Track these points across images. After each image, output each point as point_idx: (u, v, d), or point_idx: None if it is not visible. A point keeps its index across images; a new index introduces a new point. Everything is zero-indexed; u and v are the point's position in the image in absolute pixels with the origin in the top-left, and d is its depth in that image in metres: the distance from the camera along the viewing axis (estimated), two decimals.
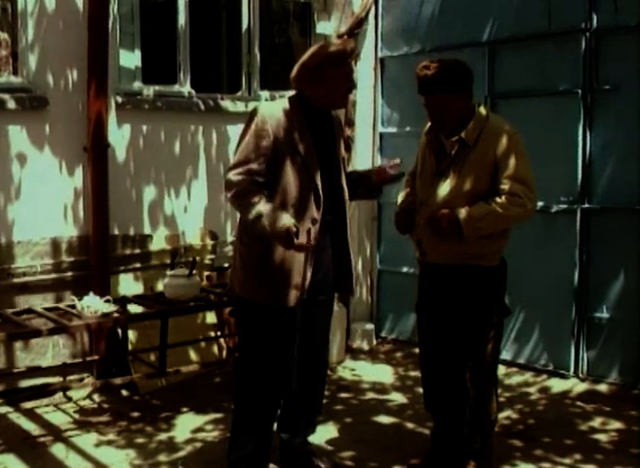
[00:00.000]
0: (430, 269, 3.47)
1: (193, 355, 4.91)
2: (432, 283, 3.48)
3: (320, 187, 3.23)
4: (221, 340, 5.07)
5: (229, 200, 3.27)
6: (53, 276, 4.62)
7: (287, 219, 3.04)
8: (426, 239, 3.40)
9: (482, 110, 3.37)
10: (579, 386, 4.77)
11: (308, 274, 3.24)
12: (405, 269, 5.64)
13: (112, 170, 4.71)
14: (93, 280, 4.63)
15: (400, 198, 3.64)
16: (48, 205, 4.59)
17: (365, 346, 5.70)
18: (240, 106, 5.38)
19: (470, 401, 3.43)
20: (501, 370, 4.65)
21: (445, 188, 3.32)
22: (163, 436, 4.05)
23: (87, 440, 3.98)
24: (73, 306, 4.04)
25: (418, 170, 3.52)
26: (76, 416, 4.30)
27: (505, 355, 5.03)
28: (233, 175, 3.16)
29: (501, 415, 4.08)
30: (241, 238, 3.32)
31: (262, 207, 3.08)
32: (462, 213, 3.23)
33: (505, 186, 3.23)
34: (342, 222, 3.37)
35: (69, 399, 4.54)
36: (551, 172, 4.73)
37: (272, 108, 3.28)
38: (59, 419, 4.25)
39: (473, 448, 3.47)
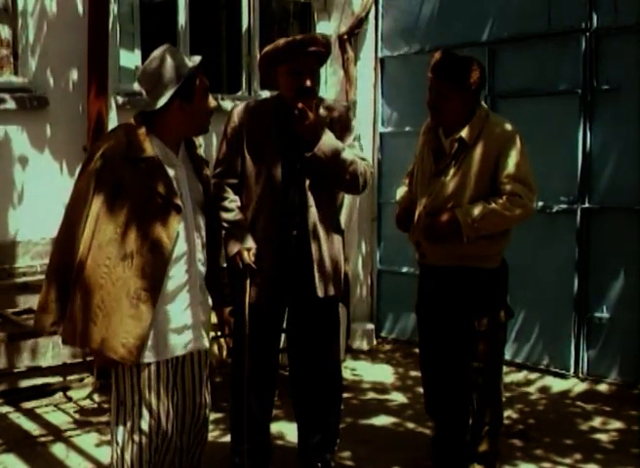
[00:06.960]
0: (431, 271, 3.44)
1: None
2: (433, 285, 3.44)
3: (279, 188, 3.18)
4: (221, 340, 5.06)
5: None
6: None
7: (237, 246, 3.12)
8: (425, 241, 3.36)
9: (482, 110, 3.34)
10: (579, 386, 4.78)
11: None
12: (405, 269, 5.64)
13: None
14: None
15: (399, 196, 3.62)
16: (48, 205, 4.57)
17: (365, 346, 5.70)
18: None
19: (474, 404, 3.38)
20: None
21: (443, 188, 3.27)
22: None
23: (87, 440, 3.98)
24: None
25: (416, 169, 3.49)
26: (76, 416, 4.30)
27: (506, 355, 4.99)
28: (212, 179, 3.21)
29: None
30: None
31: (227, 215, 3.17)
32: (462, 212, 3.18)
33: (506, 186, 3.18)
34: (312, 226, 3.22)
35: (69, 399, 4.54)
36: (551, 171, 4.74)
37: (247, 107, 3.29)
38: (59, 419, 4.25)
39: (477, 451, 3.41)
